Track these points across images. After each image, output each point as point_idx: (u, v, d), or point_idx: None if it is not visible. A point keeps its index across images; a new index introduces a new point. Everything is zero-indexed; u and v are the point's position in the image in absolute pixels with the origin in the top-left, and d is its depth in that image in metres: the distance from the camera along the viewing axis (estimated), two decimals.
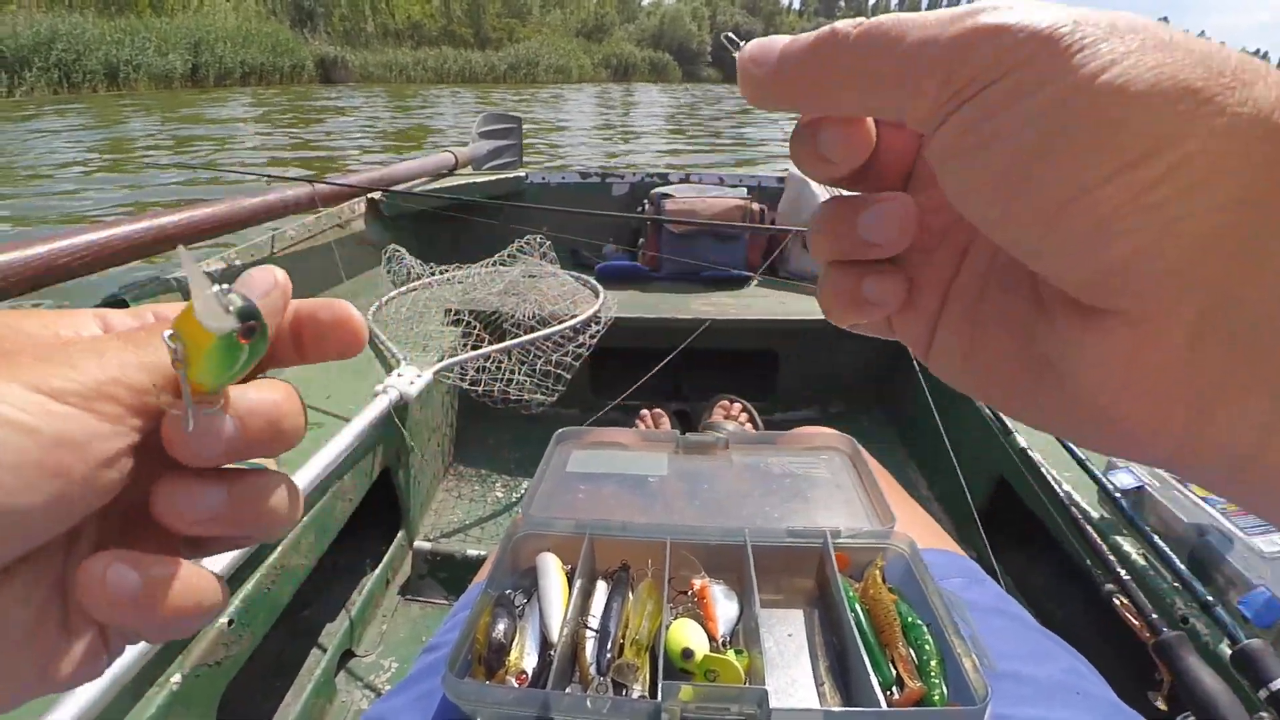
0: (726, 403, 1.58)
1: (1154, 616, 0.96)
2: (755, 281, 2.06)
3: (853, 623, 0.56)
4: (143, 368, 0.21)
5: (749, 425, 1.52)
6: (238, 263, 1.25)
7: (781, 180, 2.50)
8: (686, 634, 0.58)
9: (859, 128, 0.25)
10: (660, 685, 0.52)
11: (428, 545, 1.44)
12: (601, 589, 0.65)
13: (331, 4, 49.79)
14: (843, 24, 0.22)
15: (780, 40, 0.23)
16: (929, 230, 0.27)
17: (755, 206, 2.11)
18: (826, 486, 0.76)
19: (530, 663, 0.58)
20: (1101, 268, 0.19)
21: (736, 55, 0.24)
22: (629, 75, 64.61)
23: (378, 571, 1.38)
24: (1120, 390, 0.20)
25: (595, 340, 1.57)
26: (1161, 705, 0.95)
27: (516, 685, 0.56)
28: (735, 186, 2.51)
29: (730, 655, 0.57)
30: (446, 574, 1.44)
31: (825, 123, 0.24)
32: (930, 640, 0.56)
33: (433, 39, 53.19)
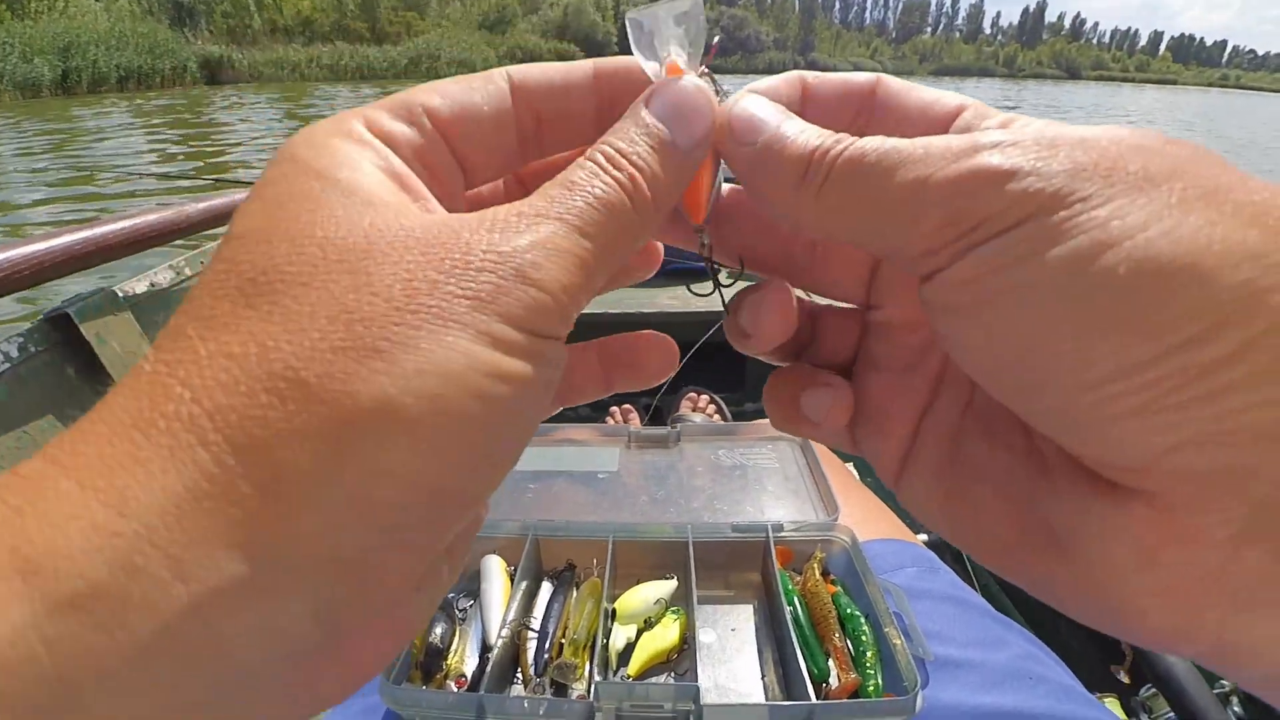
0: (694, 395, 1.57)
1: None
2: (724, 273, 2.05)
3: (789, 616, 0.56)
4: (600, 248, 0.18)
5: (716, 417, 1.52)
6: (187, 271, 1.23)
7: None
8: (630, 605, 0.61)
9: (781, 307, 0.23)
10: (595, 685, 0.52)
11: None
12: (546, 588, 0.65)
13: (213, 1, 48.39)
14: (817, 141, 0.19)
15: (766, 127, 0.20)
16: (899, 345, 0.24)
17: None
18: (775, 477, 0.76)
19: (471, 665, 0.58)
20: (1135, 456, 0.16)
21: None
22: None
23: None
24: (1141, 584, 0.17)
25: None
26: (1125, 679, 0.95)
27: (455, 688, 0.56)
28: None
29: (668, 617, 0.60)
30: None
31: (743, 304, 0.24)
32: (868, 631, 0.57)
33: (325, 34, 51.83)
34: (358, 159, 0.18)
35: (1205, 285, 0.14)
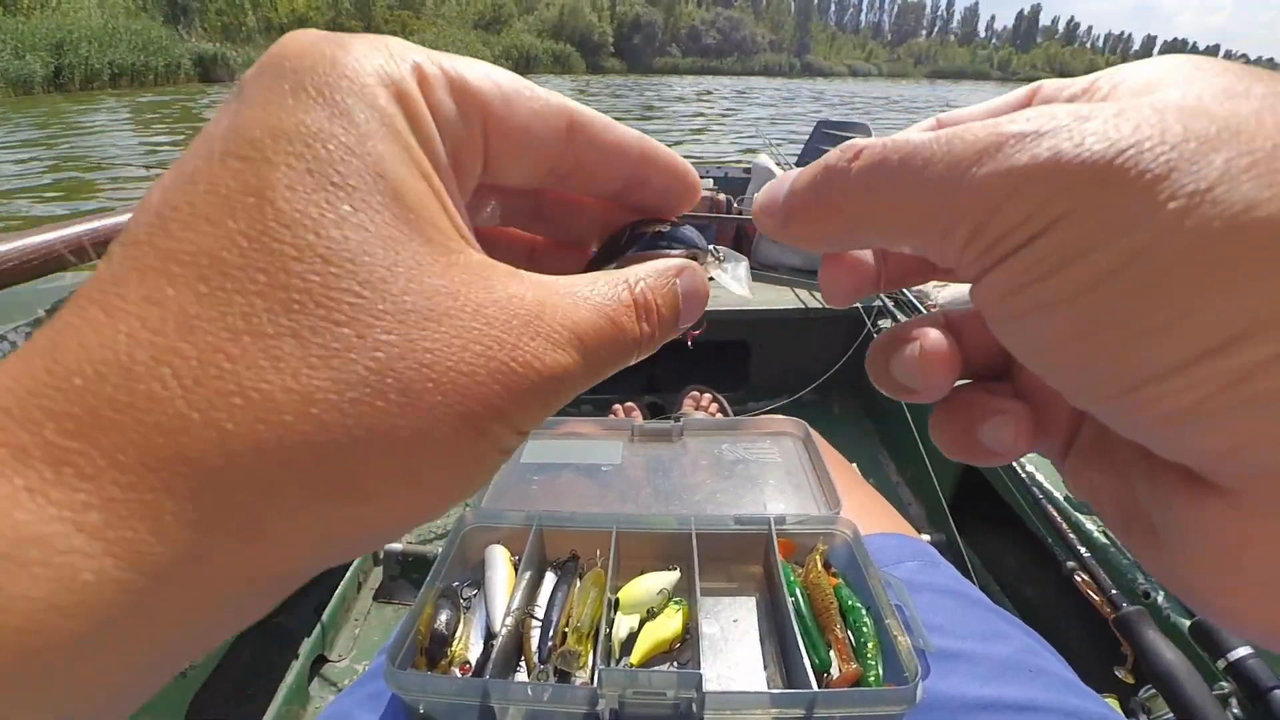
0: (696, 393, 1.58)
1: (1114, 592, 0.98)
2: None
3: (790, 608, 0.57)
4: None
5: (718, 416, 1.52)
6: None
7: (748, 172, 2.50)
8: (633, 595, 0.61)
9: (942, 358, 0.21)
10: (598, 672, 0.52)
11: (399, 547, 1.44)
12: (550, 578, 0.65)
13: None
14: (835, 155, 0.19)
15: (786, 183, 0.21)
16: None
17: (721, 197, 2.13)
18: (778, 471, 0.77)
19: (475, 653, 0.58)
20: (1199, 454, 0.15)
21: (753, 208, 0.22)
22: (531, 68, 63.75)
23: (349, 575, 1.37)
24: (1226, 584, 0.16)
25: None
26: (1126, 678, 0.96)
27: (460, 675, 0.56)
28: (702, 178, 2.52)
29: (671, 608, 0.60)
30: (419, 575, 1.44)
31: (896, 355, 0.22)
32: (869, 623, 0.57)
33: None
34: (413, 155, 0.17)
35: (1236, 291, 0.13)
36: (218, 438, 0.13)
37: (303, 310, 0.14)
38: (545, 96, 0.20)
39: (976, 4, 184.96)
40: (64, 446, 0.12)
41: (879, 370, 0.23)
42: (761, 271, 2.06)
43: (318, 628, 1.25)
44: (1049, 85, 0.21)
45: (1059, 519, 1.08)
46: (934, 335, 0.21)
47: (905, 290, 1.58)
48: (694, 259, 0.23)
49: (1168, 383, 0.14)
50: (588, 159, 0.22)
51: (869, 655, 0.55)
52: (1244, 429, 0.14)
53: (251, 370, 0.13)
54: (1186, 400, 0.14)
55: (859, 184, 0.18)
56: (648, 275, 0.21)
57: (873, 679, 0.54)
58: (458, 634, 0.59)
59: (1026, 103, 0.21)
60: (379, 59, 0.17)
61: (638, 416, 1.52)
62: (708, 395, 1.56)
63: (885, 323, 1.63)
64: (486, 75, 0.19)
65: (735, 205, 2.21)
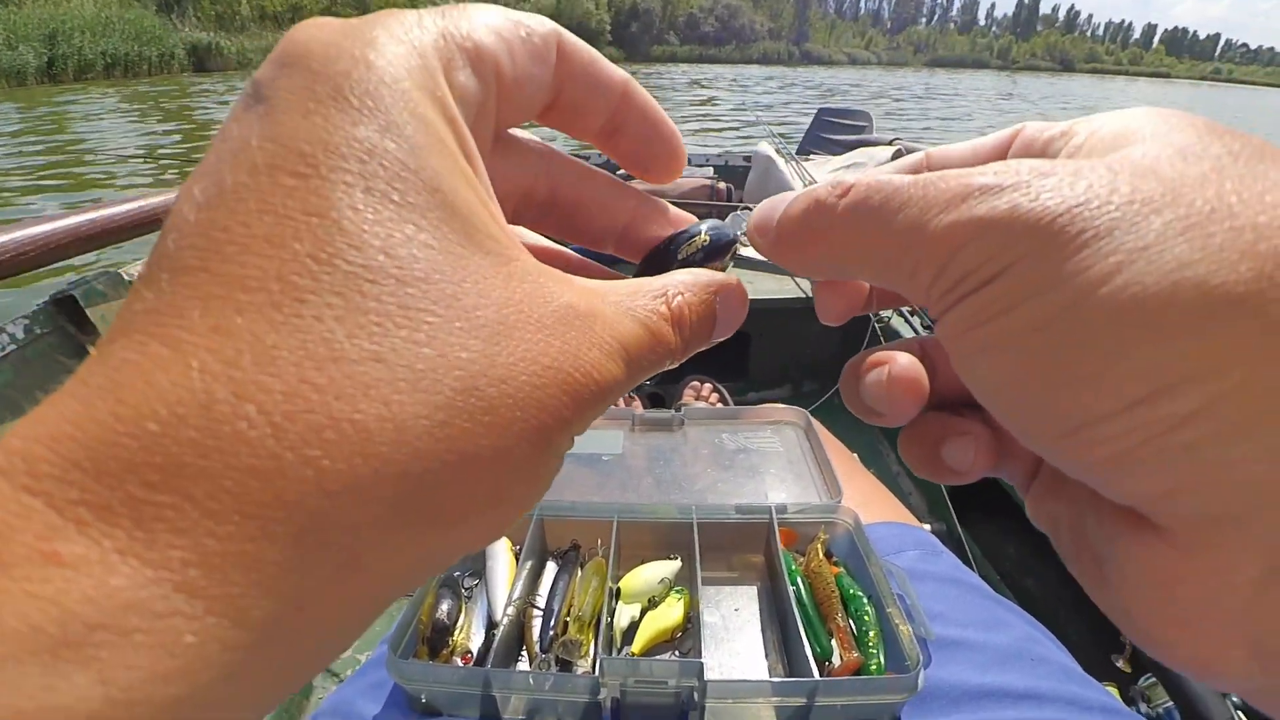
0: (697, 384, 1.58)
1: None
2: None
3: (792, 596, 0.57)
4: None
5: (718, 406, 1.52)
6: None
7: (748, 159, 2.49)
8: (634, 584, 0.62)
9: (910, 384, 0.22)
10: (600, 661, 0.52)
11: None
12: (551, 568, 0.65)
13: None
14: (825, 191, 0.20)
15: (780, 207, 0.22)
16: None
17: (721, 185, 2.12)
18: (779, 461, 0.77)
19: (476, 642, 0.59)
20: (1135, 496, 0.16)
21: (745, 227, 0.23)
22: None
23: None
24: (1162, 616, 0.17)
25: None
26: (1125, 667, 0.97)
27: (461, 664, 0.56)
28: (702, 166, 2.51)
29: (672, 597, 0.61)
30: None
31: (867, 380, 0.23)
32: (870, 611, 0.57)
33: None
34: (459, 165, 0.16)
35: (1165, 336, 0.14)
36: (315, 477, 0.12)
37: (384, 333, 0.13)
38: (535, 27, 0.19)
39: None
40: (151, 501, 0.11)
41: (850, 392, 0.24)
42: (762, 261, 2.06)
43: None
44: (1031, 127, 0.22)
45: None
46: (903, 361, 0.22)
47: None
48: (733, 256, 0.24)
49: (1099, 429, 0.15)
50: (571, 90, 0.21)
51: (870, 644, 0.55)
52: (1175, 476, 0.15)
53: (341, 400, 0.13)
54: (1120, 446, 0.15)
55: (842, 220, 0.19)
56: (686, 288, 0.21)
57: (874, 667, 0.54)
58: (459, 623, 0.59)
59: (1009, 142, 0.22)
60: (405, 54, 0.16)
61: (638, 406, 1.52)
62: (708, 385, 1.56)
63: (886, 312, 1.63)
64: (491, 28, 0.18)
65: (735, 194, 2.20)
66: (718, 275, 0.22)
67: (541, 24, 0.20)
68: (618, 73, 0.22)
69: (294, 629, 0.13)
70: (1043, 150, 0.21)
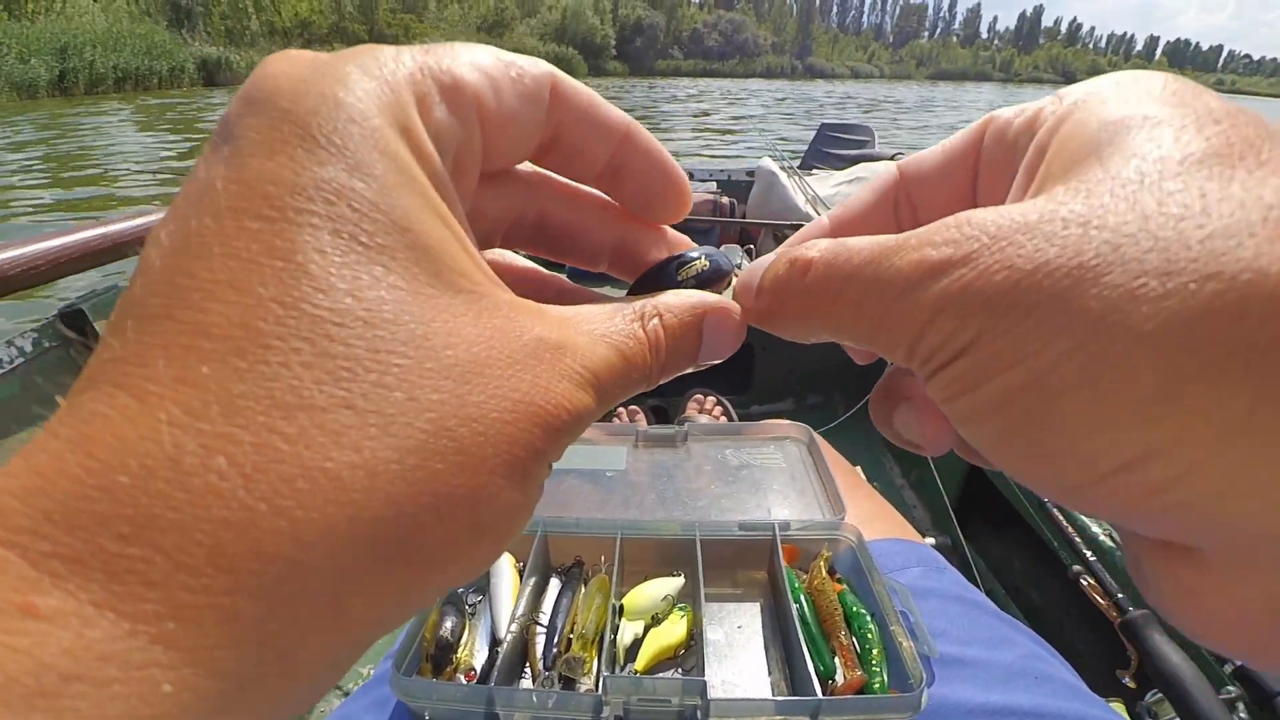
0: (700, 397, 1.58)
1: (1120, 596, 0.97)
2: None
3: (795, 614, 0.57)
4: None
5: (722, 419, 1.52)
6: None
7: (751, 174, 2.50)
8: (638, 601, 0.62)
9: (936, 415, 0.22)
10: (603, 679, 0.52)
11: None
12: (555, 585, 0.65)
13: (211, 2, 47.73)
14: (784, 266, 0.20)
15: (759, 273, 0.22)
16: None
17: (725, 200, 2.13)
18: (782, 477, 0.77)
19: (480, 659, 0.59)
20: (1149, 534, 0.16)
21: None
22: None
23: None
24: (1192, 615, 0.16)
25: None
26: (1130, 683, 0.96)
27: (465, 681, 0.56)
28: (705, 181, 2.52)
29: (675, 614, 0.61)
30: None
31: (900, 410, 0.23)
32: (874, 629, 0.57)
33: (323, 37, 51.96)
34: (430, 201, 0.16)
35: (1124, 425, 0.14)
36: (289, 527, 0.12)
37: (353, 377, 0.13)
38: (527, 68, 0.19)
39: (979, 5, 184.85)
40: (123, 554, 0.12)
41: (883, 422, 0.24)
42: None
43: None
44: (1000, 117, 0.21)
45: (1064, 522, 1.08)
46: (927, 401, 0.22)
47: None
48: (728, 285, 0.23)
49: (1090, 493, 0.15)
50: (569, 132, 0.21)
51: (874, 662, 0.55)
52: (1177, 526, 0.15)
53: (311, 449, 0.13)
54: (1116, 503, 0.15)
55: (809, 296, 0.20)
56: (666, 309, 0.21)
57: (877, 686, 0.54)
58: (463, 640, 0.59)
59: (980, 137, 0.22)
60: (377, 90, 0.16)
61: (641, 419, 1.52)
62: (711, 398, 1.56)
63: None
64: (475, 65, 0.18)
65: (739, 209, 2.21)
66: (709, 298, 0.22)
67: (535, 65, 0.20)
68: (619, 115, 0.22)
69: (274, 677, 0.13)
70: (1013, 144, 0.20)
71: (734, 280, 0.24)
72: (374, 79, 0.16)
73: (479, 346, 0.15)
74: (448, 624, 0.59)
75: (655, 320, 0.20)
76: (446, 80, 0.17)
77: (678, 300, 0.21)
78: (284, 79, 0.15)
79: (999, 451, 0.17)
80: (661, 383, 0.21)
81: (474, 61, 0.18)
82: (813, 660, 0.54)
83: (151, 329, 0.13)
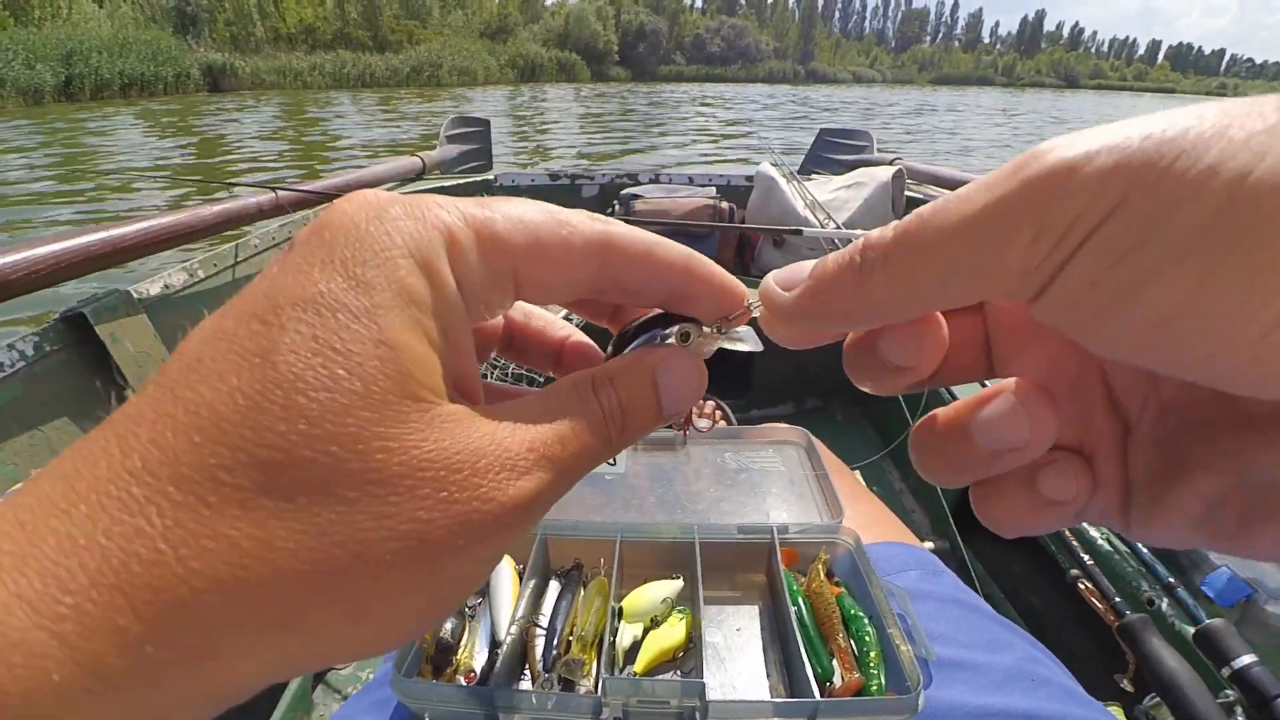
0: (699, 401, 1.59)
1: (1117, 600, 0.98)
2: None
3: (793, 616, 0.57)
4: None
5: (721, 423, 1.53)
6: (200, 274, 1.24)
7: (750, 179, 2.51)
8: (637, 603, 0.62)
9: (929, 321, 0.21)
10: (602, 681, 0.53)
11: None
12: (554, 587, 0.66)
13: (216, 9, 48.43)
14: (857, 244, 0.19)
15: (806, 266, 0.21)
16: (1059, 392, 0.22)
17: (724, 205, 2.14)
18: (781, 480, 0.77)
19: (480, 661, 0.59)
20: None
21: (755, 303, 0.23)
22: (536, 76, 63.53)
23: None
24: None
25: None
26: (1128, 687, 0.96)
27: (464, 683, 0.57)
28: (704, 186, 2.53)
29: (674, 617, 0.61)
30: None
31: (885, 330, 0.21)
32: (871, 632, 0.57)
33: (327, 43, 51.90)
34: (421, 322, 0.18)
35: None
36: (184, 574, 0.15)
37: (276, 467, 0.16)
38: (579, 226, 0.21)
39: (981, 10, 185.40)
40: (56, 562, 0.15)
41: (864, 364, 0.22)
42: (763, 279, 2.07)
43: None
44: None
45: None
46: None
47: None
48: (687, 335, 0.23)
49: (1258, 349, 0.14)
50: (627, 278, 0.23)
51: (871, 664, 0.55)
52: None
53: (224, 519, 0.15)
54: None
55: (896, 248, 0.18)
56: (616, 375, 0.22)
57: (875, 688, 0.54)
58: (463, 642, 0.60)
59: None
60: (411, 229, 0.18)
61: None
62: (710, 402, 1.56)
63: None
64: (518, 220, 0.20)
65: (738, 214, 2.22)
66: (658, 351, 0.22)
67: (589, 224, 0.21)
68: (677, 255, 0.23)
69: (147, 691, 0.15)
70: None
71: (691, 328, 0.23)
72: (414, 220, 0.18)
73: (416, 452, 0.17)
74: (448, 626, 0.59)
75: (608, 388, 0.21)
76: (484, 231, 0.20)
77: (625, 363, 0.22)
78: (340, 215, 0.18)
79: (1183, 311, 0.15)
80: (619, 452, 0.22)
81: (520, 216, 0.20)
82: (811, 663, 0.54)
83: (156, 396, 0.17)
